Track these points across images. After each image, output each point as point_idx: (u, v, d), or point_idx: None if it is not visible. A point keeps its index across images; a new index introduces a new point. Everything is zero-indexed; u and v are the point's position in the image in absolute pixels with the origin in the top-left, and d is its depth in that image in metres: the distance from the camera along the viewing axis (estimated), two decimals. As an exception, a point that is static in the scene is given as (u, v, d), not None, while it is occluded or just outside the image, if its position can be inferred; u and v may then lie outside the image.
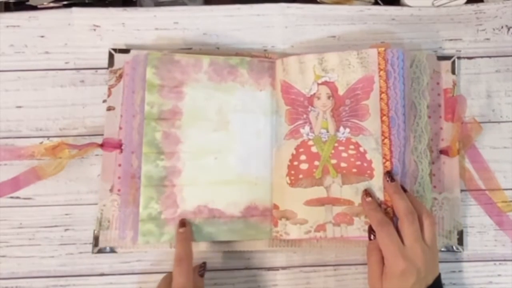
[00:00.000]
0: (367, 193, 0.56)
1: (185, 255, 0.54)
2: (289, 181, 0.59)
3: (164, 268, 0.59)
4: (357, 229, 0.56)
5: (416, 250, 0.51)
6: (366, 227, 0.56)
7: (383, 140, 0.57)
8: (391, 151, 0.56)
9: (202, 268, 0.56)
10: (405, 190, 0.55)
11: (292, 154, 0.59)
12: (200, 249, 0.59)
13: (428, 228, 0.53)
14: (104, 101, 0.62)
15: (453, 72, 0.64)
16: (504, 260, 0.61)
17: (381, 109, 0.57)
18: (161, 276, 0.59)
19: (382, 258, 0.53)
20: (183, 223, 0.56)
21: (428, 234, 0.53)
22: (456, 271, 0.61)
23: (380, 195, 0.56)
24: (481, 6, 0.65)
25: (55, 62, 0.63)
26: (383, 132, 0.57)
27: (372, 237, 0.55)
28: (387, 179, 0.55)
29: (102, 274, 0.60)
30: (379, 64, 0.58)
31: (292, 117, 0.60)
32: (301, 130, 0.59)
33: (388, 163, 0.56)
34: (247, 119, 0.60)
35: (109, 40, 0.64)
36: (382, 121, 0.57)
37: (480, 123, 0.62)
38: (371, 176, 0.56)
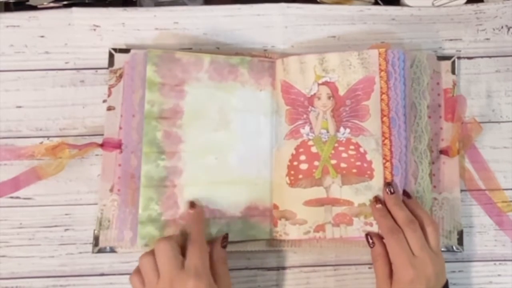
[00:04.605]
0: (377, 199, 0.56)
1: (197, 236, 0.52)
2: (288, 181, 0.59)
3: (164, 268, 0.59)
4: (357, 229, 0.56)
5: (424, 259, 0.51)
6: (366, 228, 0.56)
7: (383, 140, 0.57)
8: (391, 152, 0.56)
9: (224, 240, 0.56)
10: (409, 196, 0.56)
11: (292, 154, 0.59)
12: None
13: (432, 235, 0.53)
14: (104, 101, 0.62)
15: (453, 72, 0.64)
16: (504, 260, 0.61)
17: (382, 110, 0.57)
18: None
19: (388, 263, 0.53)
20: (193, 205, 0.56)
21: (433, 241, 0.53)
22: (456, 271, 0.61)
23: (380, 196, 0.56)
24: (481, 6, 0.65)
25: (55, 62, 0.63)
26: (383, 132, 0.57)
27: (372, 244, 0.55)
28: (387, 191, 0.55)
29: (102, 274, 0.60)
30: (380, 64, 0.58)
31: (292, 117, 0.60)
32: (301, 130, 0.59)
33: (388, 164, 0.56)
34: (248, 119, 0.60)
35: (109, 40, 0.64)
36: (383, 122, 0.57)
37: (480, 123, 0.62)
38: (371, 177, 0.56)
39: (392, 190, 0.55)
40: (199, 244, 0.52)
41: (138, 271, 0.51)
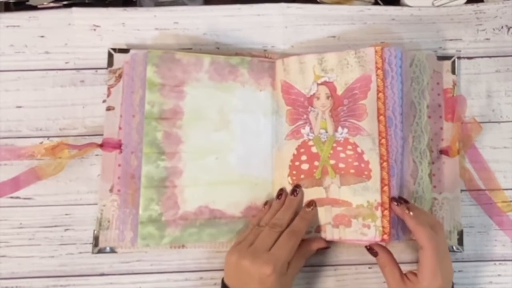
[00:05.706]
0: (409, 207, 0.54)
1: (299, 232, 0.54)
2: (291, 181, 0.59)
3: (164, 268, 0.60)
4: (355, 231, 0.56)
5: (447, 266, 0.52)
6: (364, 230, 0.55)
7: (380, 140, 0.56)
8: (388, 152, 0.56)
9: (323, 248, 0.58)
10: (406, 202, 0.55)
11: (294, 154, 0.59)
12: (201, 250, 0.59)
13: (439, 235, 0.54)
14: (104, 101, 0.62)
15: (453, 72, 0.64)
16: (504, 260, 0.61)
17: (378, 109, 0.56)
18: (161, 276, 0.59)
19: (396, 265, 0.54)
20: (310, 204, 0.57)
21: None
22: (456, 271, 0.61)
23: (377, 196, 0.55)
24: (481, 6, 0.65)
25: (55, 62, 0.63)
26: (380, 132, 0.56)
27: (375, 254, 0.56)
28: (395, 203, 0.54)
29: (102, 274, 0.60)
30: (376, 63, 0.57)
31: (293, 117, 0.60)
32: (302, 131, 0.59)
33: (385, 164, 0.56)
34: (248, 119, 0.60)
35: (109, 40, 0.64)
36: (379, 121, 0.56)
37: (480, 123, 0.62)
38: (368, 177, 0.56)
39: (400, 202, 0.55)
40: (296, 240, 0.53)
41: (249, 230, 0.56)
